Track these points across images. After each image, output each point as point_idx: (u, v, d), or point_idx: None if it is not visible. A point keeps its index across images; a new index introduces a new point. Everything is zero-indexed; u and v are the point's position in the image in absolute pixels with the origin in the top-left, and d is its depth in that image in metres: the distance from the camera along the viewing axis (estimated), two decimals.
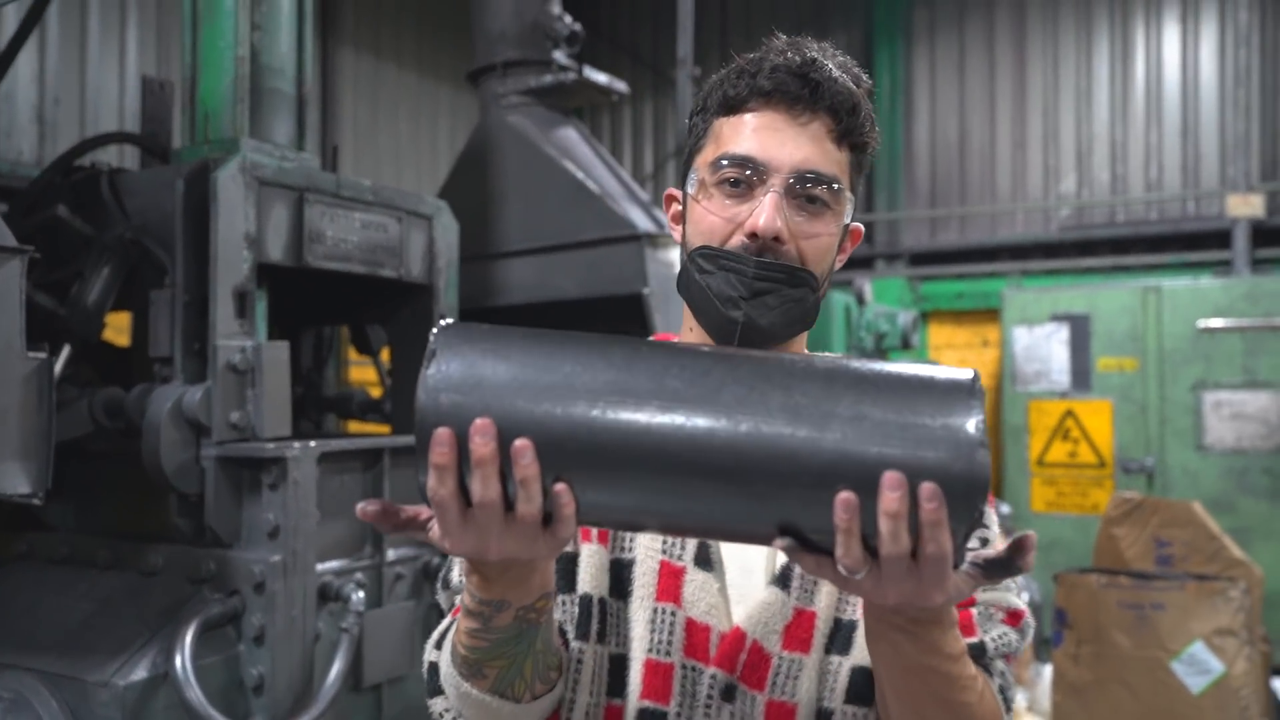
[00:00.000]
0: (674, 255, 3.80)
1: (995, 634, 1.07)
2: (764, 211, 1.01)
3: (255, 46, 2.81)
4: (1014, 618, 1.09)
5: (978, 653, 1.05)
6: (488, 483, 0.80)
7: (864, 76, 1.11)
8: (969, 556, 0.82)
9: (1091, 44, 7.40)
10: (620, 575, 1.11)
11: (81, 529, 2.66)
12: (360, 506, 0.83)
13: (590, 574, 1.10)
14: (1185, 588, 3.65)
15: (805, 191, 1.03)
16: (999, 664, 1.07)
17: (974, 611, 1.07)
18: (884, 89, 7.95)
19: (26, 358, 1.96)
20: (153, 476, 2.40)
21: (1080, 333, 6.29)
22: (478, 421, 0.79)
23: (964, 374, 0.82)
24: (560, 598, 1.12)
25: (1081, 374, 6.29)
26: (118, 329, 3.12)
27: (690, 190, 1.09)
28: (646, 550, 1.10)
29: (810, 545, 0.79)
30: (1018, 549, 0.80)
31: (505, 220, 3.87)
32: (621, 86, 4.09)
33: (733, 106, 1.07)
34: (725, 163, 1.04)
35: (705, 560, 1.10)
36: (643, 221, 3.68)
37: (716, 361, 0.83)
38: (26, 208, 2.61)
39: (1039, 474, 6.45)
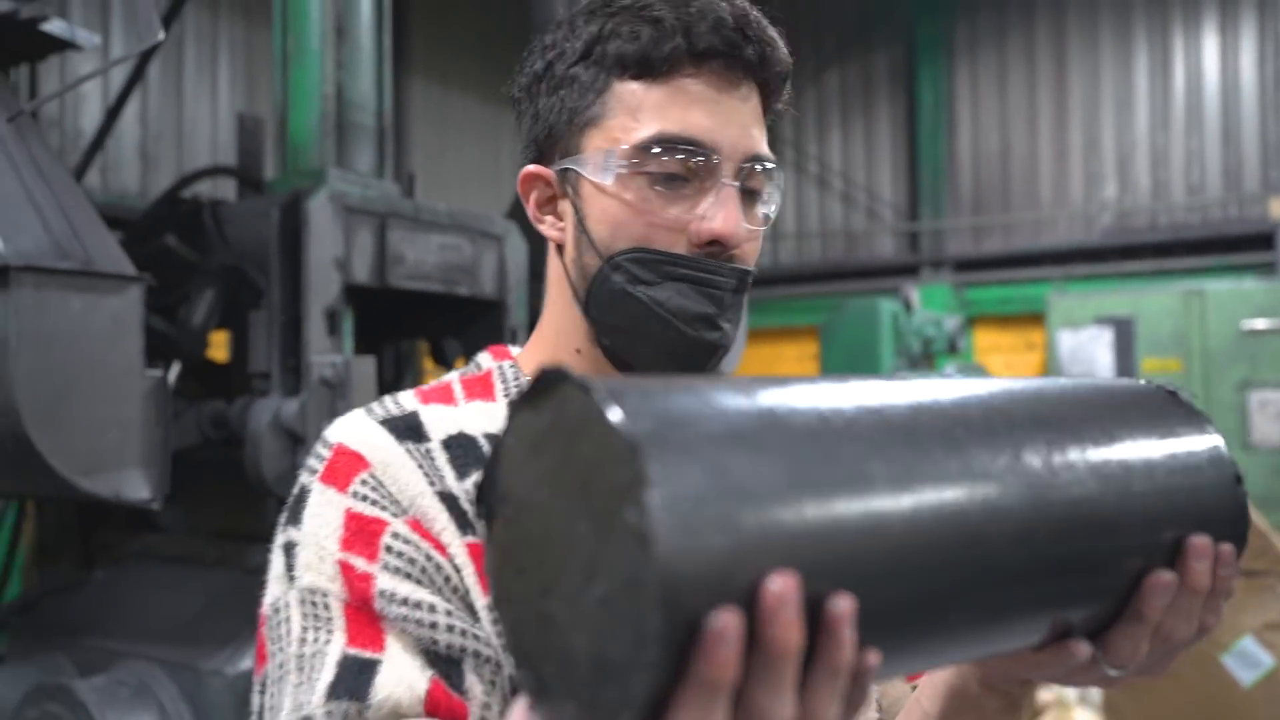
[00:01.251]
0: None
1: None
2: (726, 211, 0.78)
3: (340, 84, 2.91)
4: None
5: None
6: (782, 690, 0.44)
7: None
8: None
9: (1130, 55, 7.28)
10: None
11: (191, 530, 2.78)
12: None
13: None
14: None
15: (750, 181, 0.81)
16: None
17: None
18: (927, 104, 7.89)
19: (145, 375, 2.06)
20: (254, 482, 2.50)
21: (1124, 335, 6.19)
22: (776, 586, 0.42)
23: (1147, 386, 0.66)
24: None
25: (1126, 375, 6.19)
26: (216, 345, 3.24)
27: (603, 179, 0.79)
28: None
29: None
30: None
31: None
32: None
33: (654, 69, 0.78)
34: (663, 149, 0.77)
35: None
36: None
37: (987, 414, 0.56)
38: (138, 237, 2.73)
39: None
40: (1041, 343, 7.04)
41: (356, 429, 0.82)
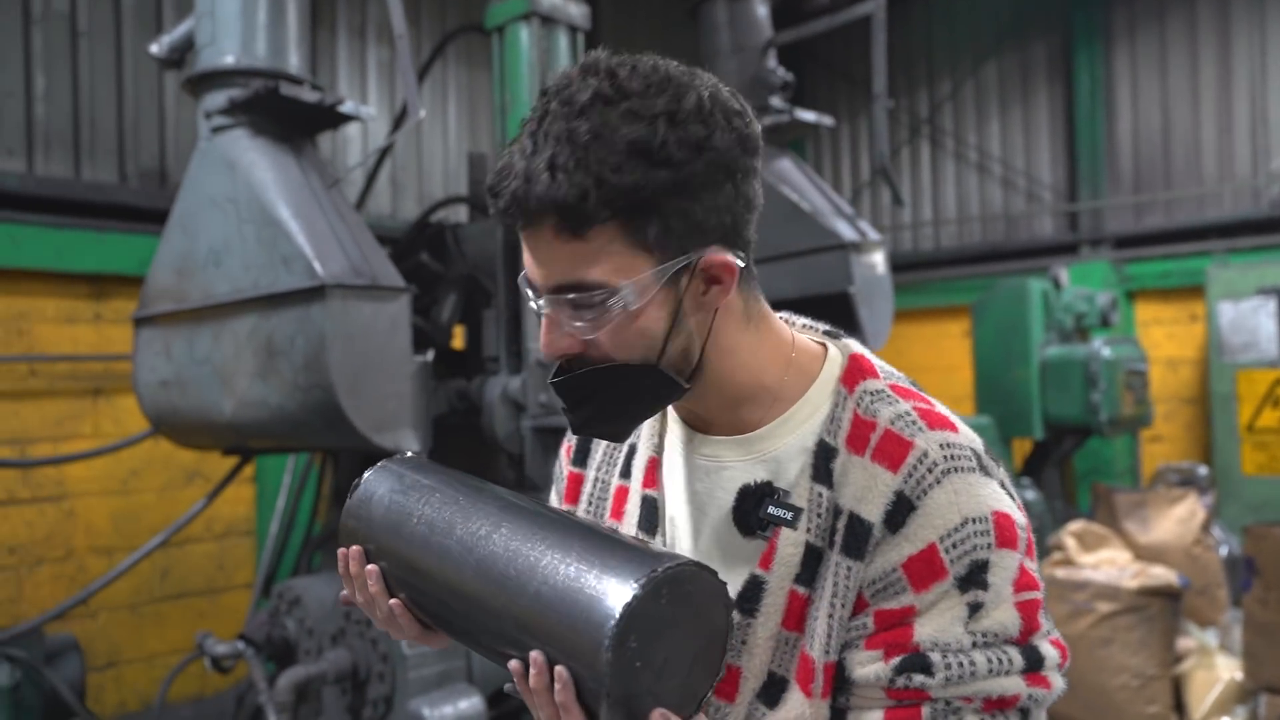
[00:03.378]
0: (877, 258, 4.05)
1: None
2: (542, 334, 0.90)
3: None
4: (1000, 704, 0.86)
5: None
6: (355, 591, 0.96)
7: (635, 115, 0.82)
8: None
9: None
10: None
11: None
12: (341, 596, 1.02)
13: None
14: None
15: (564, 304, 0.86)
16: None
17: (925, 711, 0.85)
18: (1084, 89, 7.63)
19: (413, 360, 2.58)
20: (488, 441, 2.99)
21: None
22: (350, 550, 0.96)
23: (661, 561, 0.79)
24: None
25: None
26: (456, 336, 3.77)
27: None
28: None
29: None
30: None
31: None
32: (828, 121, 4.37)
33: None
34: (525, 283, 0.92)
35: None
36: (848, 232, 3.96)
37: (495, 525, 0.89)
38: (400, 255, 3.29)
39: (1250, 439, 6.06)
40: (1203, 314, 6.72)
41: None
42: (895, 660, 0.85)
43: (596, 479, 1.10)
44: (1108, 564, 4.08)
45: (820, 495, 0.90)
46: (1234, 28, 7.05)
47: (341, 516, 0.97)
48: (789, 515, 0.90)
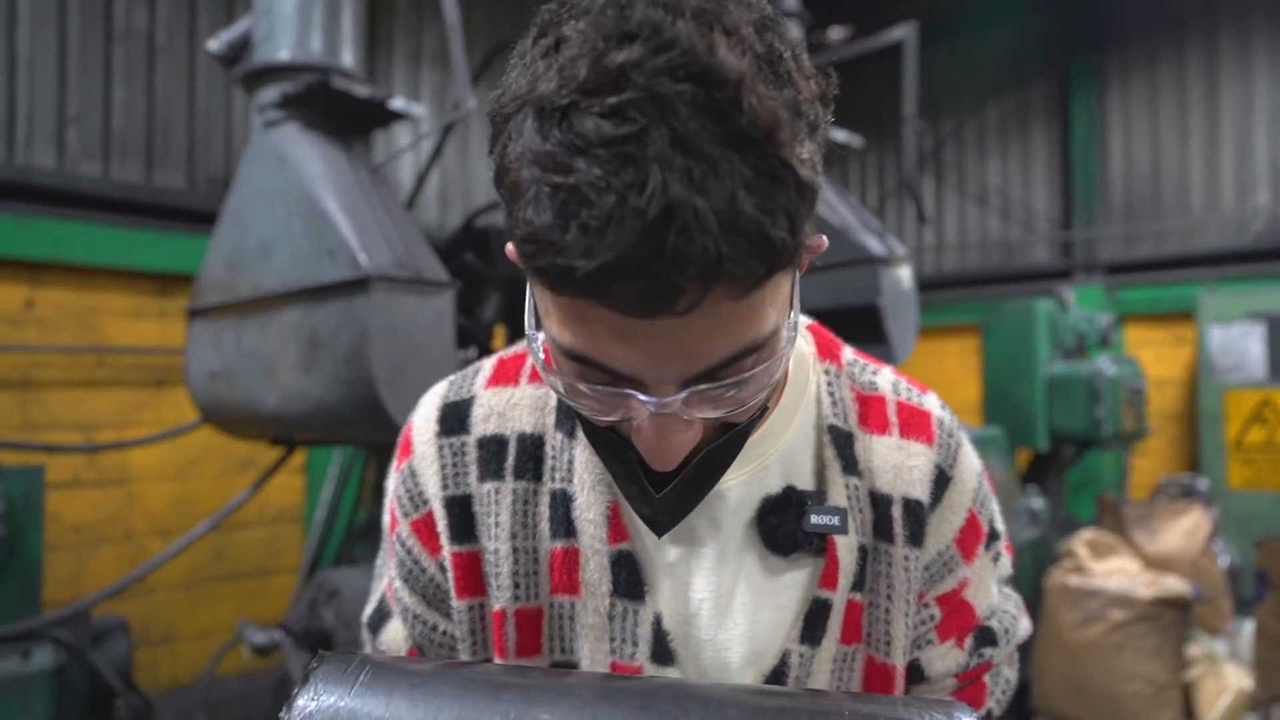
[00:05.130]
0: (904, 273, 3.72)
1: (1000, 691, 0.77)
2: (660, 446, 0.53)
3: None
4: (1020, 646, 0.79)
5: None
6: None
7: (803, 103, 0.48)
8: None
9: None
10: None
11: None
12: None
13: None
14: None
15: (714, 387, 0.51)
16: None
17: (987, 679, 0.75)
18: (1080, 128, 7.27)
19: (456, 356, 2.28)
20: None
21: (1277, 330, 5.47)
22: None
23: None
24: None
25: (1279, 366, 5.48)
26: (497, 337, 3.49)
27: (535, 346, 0.57)
28: (592, 656, 0.67)
29: None
30: None
31: None
32: (857, 142, 4.06)
33: (550, 279, 0.48)
34: (574, 359, 0.52)
35: (665, 654, 0.66)
36: (876, 246, 3.63)
37: None
38: (446, 255, 3.01)
39: (1236, 455, 5.66)
40: (1191, 338, 6.34)
41: (423, 410, 0.75)
42: (969, 642, 0.73)
43: (516, 550, 0.68)
44: (1119, 573, 3.71)
45: (855, 488, 0.69)
46: (1221, 73, 6.68)
47: None
48: (837, 520, 0.67)
